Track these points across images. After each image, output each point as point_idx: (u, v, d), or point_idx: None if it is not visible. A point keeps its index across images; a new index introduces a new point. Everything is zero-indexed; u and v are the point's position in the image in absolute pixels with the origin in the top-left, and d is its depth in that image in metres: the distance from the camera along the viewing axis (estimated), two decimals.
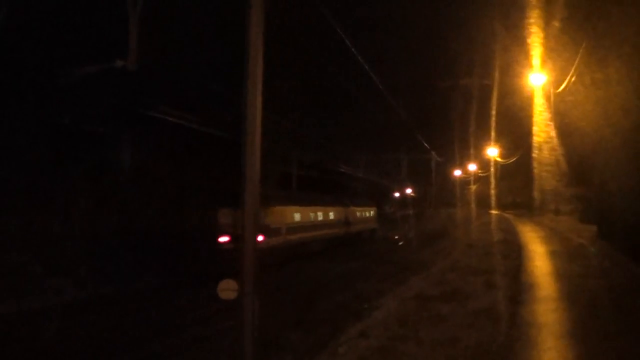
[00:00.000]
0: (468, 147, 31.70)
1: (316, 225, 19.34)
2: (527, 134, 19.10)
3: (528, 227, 20.58)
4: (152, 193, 14.15)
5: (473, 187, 36.76)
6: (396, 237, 27.08)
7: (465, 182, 38.40)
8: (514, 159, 26.61)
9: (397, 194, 48.04)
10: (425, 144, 32.16)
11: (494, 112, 21.81)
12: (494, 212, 36.07)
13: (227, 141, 11.70)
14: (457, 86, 23.83)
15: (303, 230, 17.99)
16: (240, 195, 4.37)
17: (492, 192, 33.69)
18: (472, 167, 35.77)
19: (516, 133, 23.11)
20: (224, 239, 14.66)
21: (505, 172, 31.99)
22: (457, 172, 37.67)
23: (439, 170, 40.90)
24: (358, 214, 25.16)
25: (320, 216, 19.83)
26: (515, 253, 11.86)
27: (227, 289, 4.36)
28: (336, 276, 13.11)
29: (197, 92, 12.69)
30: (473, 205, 35.09)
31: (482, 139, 28.19)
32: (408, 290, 8.47)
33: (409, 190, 46.89)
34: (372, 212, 28.19)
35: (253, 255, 4.55)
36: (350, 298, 9.83)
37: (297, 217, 17.69)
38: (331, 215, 21.11)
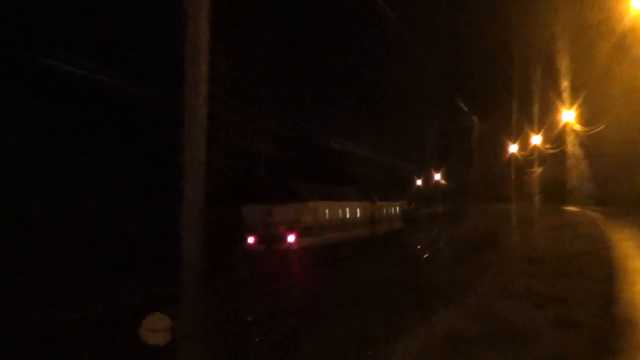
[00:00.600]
0: (529, 109, 32.64)
1: (345, 225, 22.90)
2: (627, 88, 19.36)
3: (627, 233, 20.23)
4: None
5: (537, 171, 36.84)
6: (418, 246, 27.86)
7: (524, 163, 38.26)
8: (603, 126, 26.68)
9: (419, 182, 49.89)
10: (463, 105, 36.00)
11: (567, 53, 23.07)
12: (570, 208, 36.25)
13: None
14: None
15: (333, 229, 21.51)
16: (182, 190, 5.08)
17: (568, 178, 34.00)
18: (536, 139, 35.07)
19: (607, 86, 23.69)
20: (250, 239, 18.21)
21: (589, 146, 31.82)
22: (513, 149, 37.80)
23: (484, 145, 43.85)
24: (384, 210, 28.75)
25: (348, 213, 23.47)
26: (606, 273, 11.83)
27: (156, 329, 4.07)
28: (334, 302, 13.85)
29: None
30: (537, 199, 35.23)
31: (551, 95, 29.58)
32: (435, 327, 8.39)
33: (437, 177, 49.34)
34: (397, 209, 31.60)
35: (194, 278, 5.27)
36: (348, 337, 10.27)
37: (327, 214, 21.16)
38: (358, 213, 24.77)
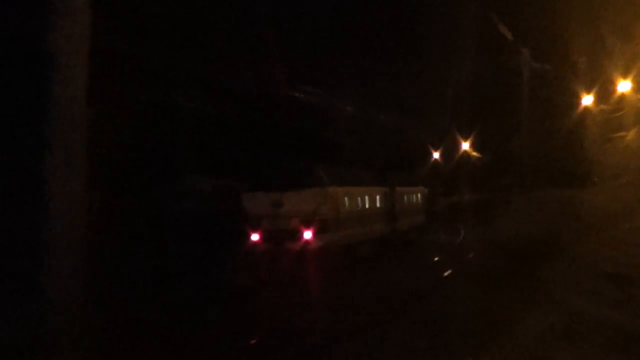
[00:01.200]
0: (613, 39, 32.15)
1: (365, 218, 26.49)
2: None
3: None
4: None
5: (627, 136, 36.11)
6: (436, 257, 28.85)
7: (604, 124, 37.70)
8: None
9: (436, 155, 50.68)
10: (506, 33, 36.61)
11: None
12: None
13: None
14: None
15: (353, 224, 25.06)
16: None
17: None
18: (624, 86, 34.16)
19: None
20: (254, 237, 22.07)
21: None
22: (586, 101, 37.61)
23: (539, 97, 42.76)
24: (405, 199, 33.01)
25: (367, 203, 27.05)
26: None
27: None
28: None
29: None
30: (626, 181, 35.79)
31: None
32: None
33: (465, 146, 49.98)
34: (419, 197, 36.07)
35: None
36: None
37: (347, 203, 24.67)
38: (378, 202, 28.53)
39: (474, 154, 50.28)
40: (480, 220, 40.07)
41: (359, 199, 26.15)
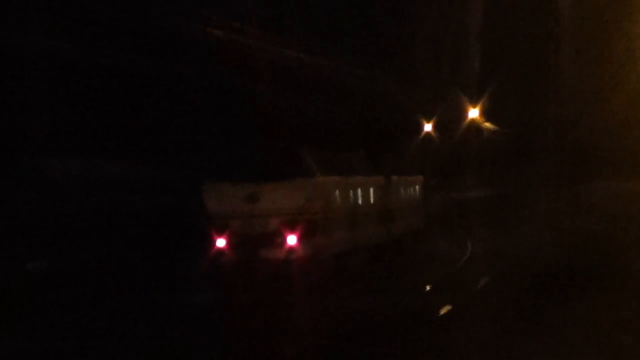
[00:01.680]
0: None
1: (357, 219, 28.16)
2: None
3: None
4: None
5: None
6: (427, 286, 27.59)
7: None
8: None
9: (428, 127, 52.07)
10: None
11: None
12: None
13: None
14: None
15: (343, 226, 26.70)
16: None
17: None
18: None
19: None
20: (220, 242, 23.63)
21: None
22: None
23: (580, 43, 46.25)
24: (402, 192, 35.65)
25: (360, 198, 28.90)
26: None
27: None
28: None
29: None
30: None
31: None
32: None
33: (473, 114, 50.82)
34: (417, 190, 38.65)
35: None
36: None
37: (338, 198, 26.53)
38: (372, 198, 30.44)
39: (486, 125, 52.16)
40: (496, 226, 40.91)
41: (350, 192, 27.67)
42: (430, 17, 51.07)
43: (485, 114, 52.06)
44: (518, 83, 52.21)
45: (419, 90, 51.92)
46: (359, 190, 28.54)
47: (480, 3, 52.22)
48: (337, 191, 26.13)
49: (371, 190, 30.01)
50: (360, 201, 28.62)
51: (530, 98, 52.40)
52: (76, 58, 36.18)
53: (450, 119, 52.53)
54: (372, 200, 30.05)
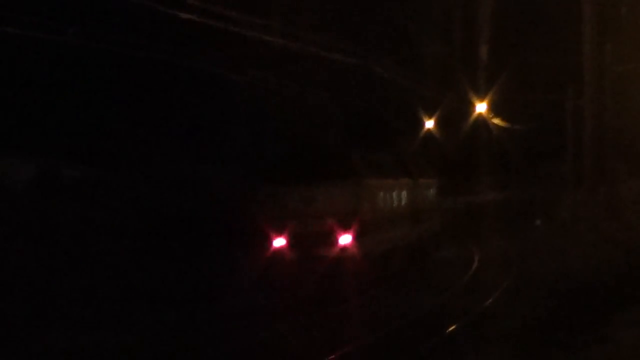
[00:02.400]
0: None
1: (395, 220, 30.76)
2: None
3: None
4: None
5: None
6: (433, 300, 27.24)
7: None
8: None
9: (430, 124, 51.08)
10: None
11: None
12: None
13: None
14: None
15: (386, 227, 29.19)
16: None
17: None
18: None
19: None
20: (279, 242, 26.21)
21: None
22: None
23: (614, 20, 45.68)
24: (425, 195, 37.71)
25: (395, 200, 31.44)
26: None
27: None
28: None
29: None
30: None
31: None
32: None
33: (480, 109, 50.27)
34: (433, 193, 40.27)
35: None
36: None
37: (382, 200, 29.60)
38: (403, 200, 32.64)
39: (496, 121, 49.89)
40: (509, 235, 40.62)
41: (392, 194, 30.55)
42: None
43: (495, 108, 50.30)
44: (533, 72, 51.12)
45: (419, 82, 49.80)
46: (396, 192, 31.15)
47: None
48: (381, 193, 28.92)
49: (404, 192, 32.39)
50: (397, 203, 31.15)
51: (547, 89, 50.38)
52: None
53: (455, 114, 51.33)
54: (404, 202, 32.34)
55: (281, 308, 23.21)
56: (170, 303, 23.29)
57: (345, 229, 24.93)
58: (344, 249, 24.81)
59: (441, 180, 45.81)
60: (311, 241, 24.87)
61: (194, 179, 37.83)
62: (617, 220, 39.06)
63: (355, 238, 25.05)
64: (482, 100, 50.16)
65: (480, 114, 50.04)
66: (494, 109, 50.56)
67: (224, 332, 20.33)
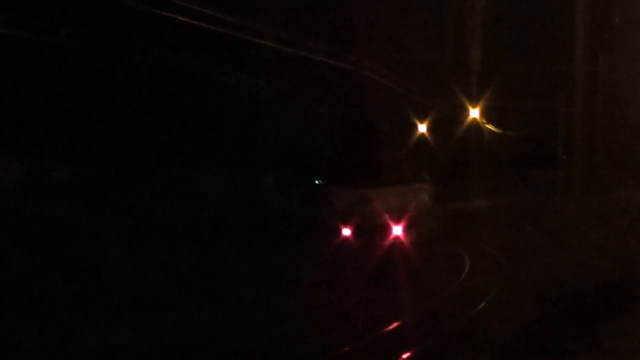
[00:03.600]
0: None
1: (425, 218, 36.99)
2: None
3: None
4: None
5: None
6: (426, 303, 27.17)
7: None
8: None
9: (423, 129, 50.51)
10: None
11: None
12: None
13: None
14: None
15: (425, 222, 36.25)
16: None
17: None
18: None
19: None
20: (345, 232, 32.12)
21: None
22: None
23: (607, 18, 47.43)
24: (418, 199, 40.12)
25: (424, 202, 38.11)
26: None
27: None
28: None
29: None
30: None
31: None
32: None
33: (474, 114, 50.79)
34: (424, 198, 42.27)
35: None
36: None
37: (422, 200, 37.82)
38: (426, 202, 39.16)
39: (489, 127, 50.55)
40: (499, 242, 39.35)
41: (425, 196, 37.10)
42: None
43: (487, 113, 50.87)
44: (526, 75, 51.15)
45: (411, 87, 50.85)
46: (425, 194, 37.32)
47: None
48: (420, 194, 35.96)
49: (427, 195, 38.12)
50: (423, 204, 36.74)
51: (539, 93, 51.01)
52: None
53: (447, 119, 51.55)
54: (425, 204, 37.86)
55: (349, 282, 26.73)
56: (260, 281, 26.61)
57: (397, 222, 30.90)
58: (396, 238, 30.82)
59: (432, 186, 44.94)
60: (370, 231, 30.99)
61: (274, 183, 45.00)
62: (607, 229, 38.21)
63: (404, 230, 31.11)
64: (474, 106, 50.37)
65: (473, 120, 50.33)
66: (486, 115, 50.79)
67: (311, 298, 23.89)
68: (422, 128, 49.95)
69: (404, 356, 20.35)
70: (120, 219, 37.94)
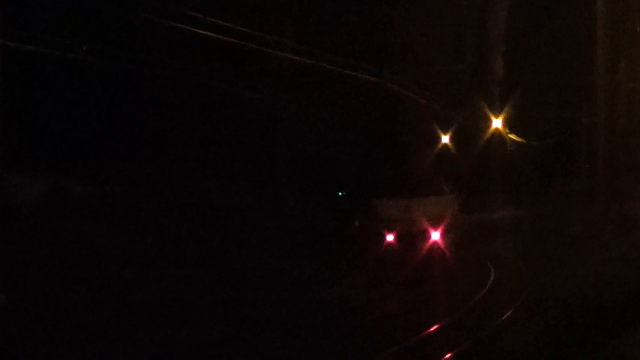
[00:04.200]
0: None
1: (455, 226, 39.97)
2: None
3: None
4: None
5: None
6: (450, 316, 27.09)
7: None
8: None
9: (446, 140, 49.76)
10: None
11: None
12: None
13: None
14: None
15: (456, 229, 39.81)
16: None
17: None
18: None
19: None
20: (390, 237, 35.65)
21: None
22: None
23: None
24: (443, 210, 42.53)
25: (453, 211, 40.53)
26: None
27: None
28: None
29: None
30: None
31: None
32: None
33: (496, 124, 50.34)
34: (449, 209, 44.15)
35: None
36: None
37: (454, 210, 40.85)
38: (454, 211, 41.05)
39: (512, 137, 50.42)
40: (522, 252, 40.16)
41: (455, 205, 39.19)
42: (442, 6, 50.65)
43: (510, 124, 50.72)
44: (548, 85, 50.83)
45: (433, 98, 50.28)
46: (454, 204, 39.41)
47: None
48: (451, 204, 38.21)
49: (456, 205, 40.03)
50: (454, 213, 38.55)
51: (562, 102, 51.01)
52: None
53: (470, 130, 51.25)
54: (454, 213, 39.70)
55: (394, 284, 29.32)
56: (316, 282, 29.34)
57: (435, 229, 33.99)
58: (435, 243, 33.82)
59: (459, 196, 45.71)
60: (411, 237, 34.10)
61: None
62: (631, 238, 37.88)
63: (442, 235, 34.11)
64: (497, 116, 50.38)
65: (496, 130, 50.39)
66: (509, 125, 50.87)
67: (363, 300, 26.18)
68: (446, 139, 49.43)
69: None
70: (142, 235, 36.70)
